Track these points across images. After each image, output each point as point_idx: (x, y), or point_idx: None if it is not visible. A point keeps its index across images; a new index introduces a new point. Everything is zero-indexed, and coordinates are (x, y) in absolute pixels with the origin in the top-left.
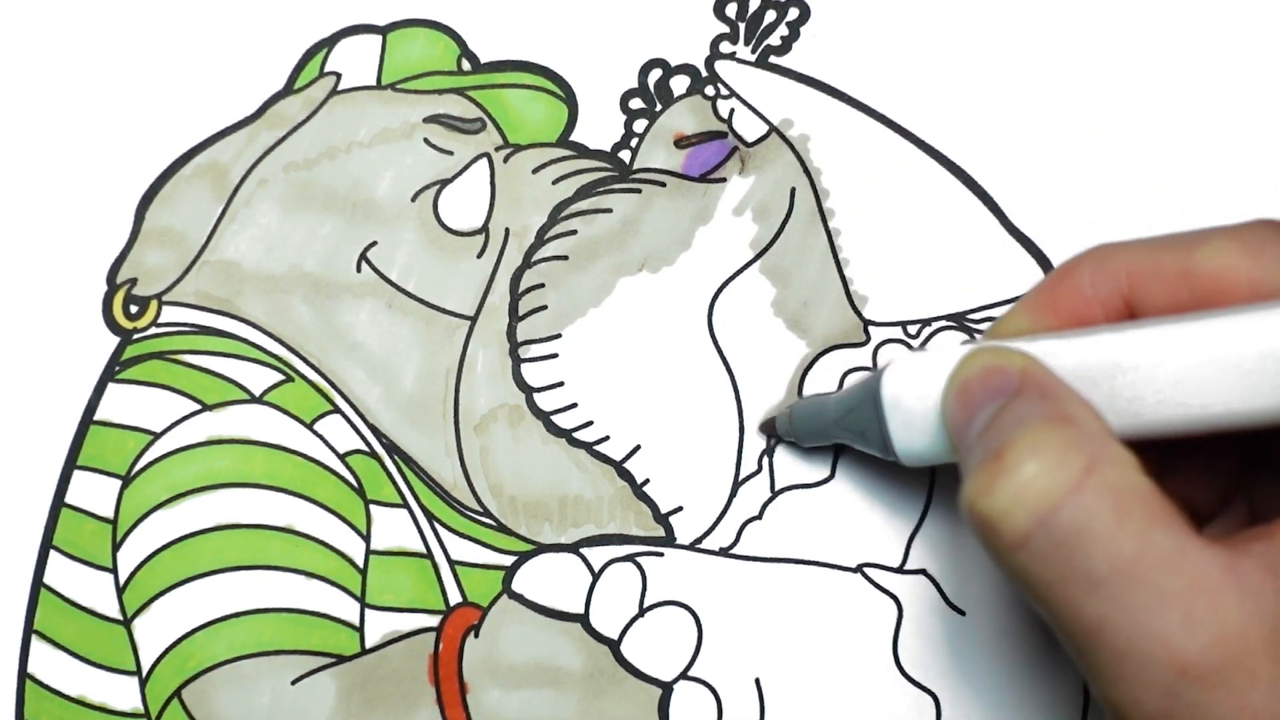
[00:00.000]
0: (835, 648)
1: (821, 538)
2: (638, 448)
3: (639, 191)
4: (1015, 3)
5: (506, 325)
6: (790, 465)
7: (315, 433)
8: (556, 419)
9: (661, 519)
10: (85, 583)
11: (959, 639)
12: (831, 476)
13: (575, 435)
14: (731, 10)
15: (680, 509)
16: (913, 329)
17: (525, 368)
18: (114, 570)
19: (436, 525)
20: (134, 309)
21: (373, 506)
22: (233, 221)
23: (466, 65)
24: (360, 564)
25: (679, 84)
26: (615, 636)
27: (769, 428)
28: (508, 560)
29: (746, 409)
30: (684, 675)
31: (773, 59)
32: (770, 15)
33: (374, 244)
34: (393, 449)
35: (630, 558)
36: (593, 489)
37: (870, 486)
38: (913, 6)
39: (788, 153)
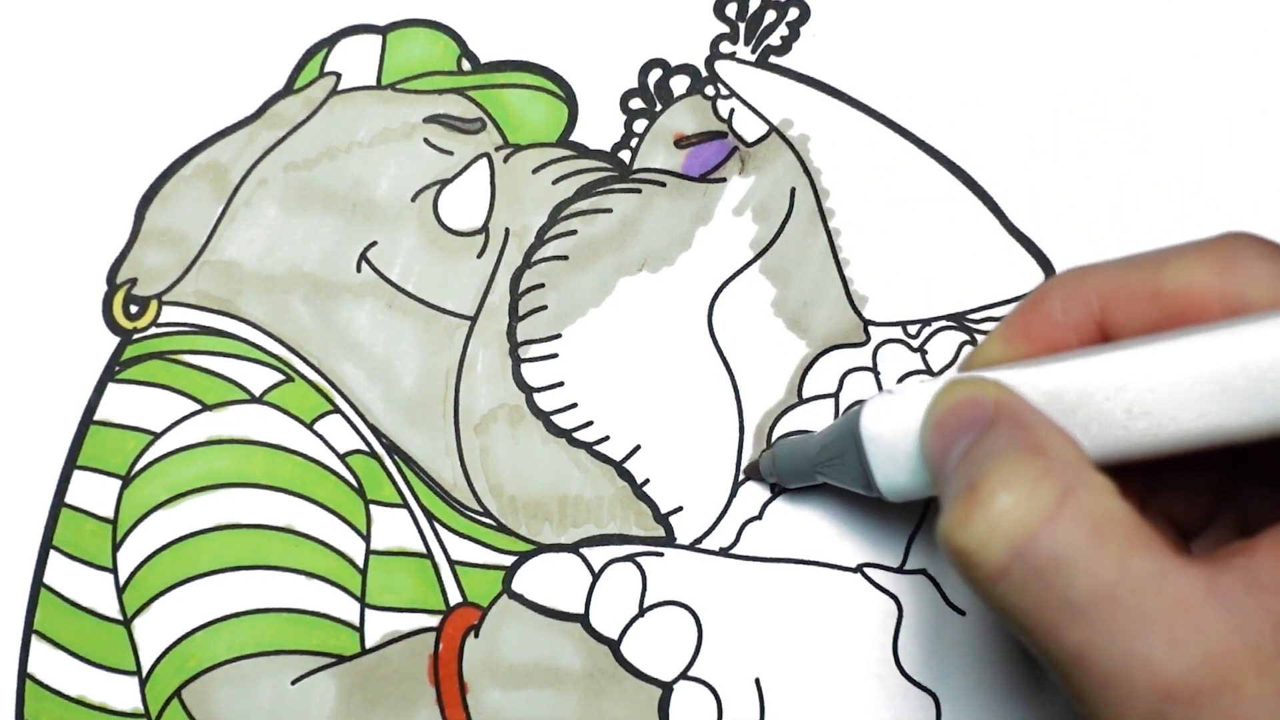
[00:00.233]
0: (835, 648)
1: (821, 538)
2: (638, 448)
3: (639, 191)
4: (1015, 3)
5: (506, 325)
6: None
7: (315, 433)
8: (556, 419)
9: (661, 519)
10: (85, 583)
11: (959, 639)
12: None
13: (575, 435)
14: (731, 10)
15: (680, 509)
16: (913, 329)
17: (525, 368)
18: (114, 570)
19: (436, 525)
20: (134, 309)
21: (373, 506)
22: (233, 221)
23: (466, 65)
24: (360, 564)
25: (679, 84)
26: (615, 636)
27: (753, 471)
28: (508, 560)
29: (746, 409)
30: (684, 675)
31: (773, 59)
32: (770, 15)
33: (374, 244)
34: (393, 449)
35: (630, 558)
36: (593, 489)
37: None
38: (913, 6)
39: (788, 153)
